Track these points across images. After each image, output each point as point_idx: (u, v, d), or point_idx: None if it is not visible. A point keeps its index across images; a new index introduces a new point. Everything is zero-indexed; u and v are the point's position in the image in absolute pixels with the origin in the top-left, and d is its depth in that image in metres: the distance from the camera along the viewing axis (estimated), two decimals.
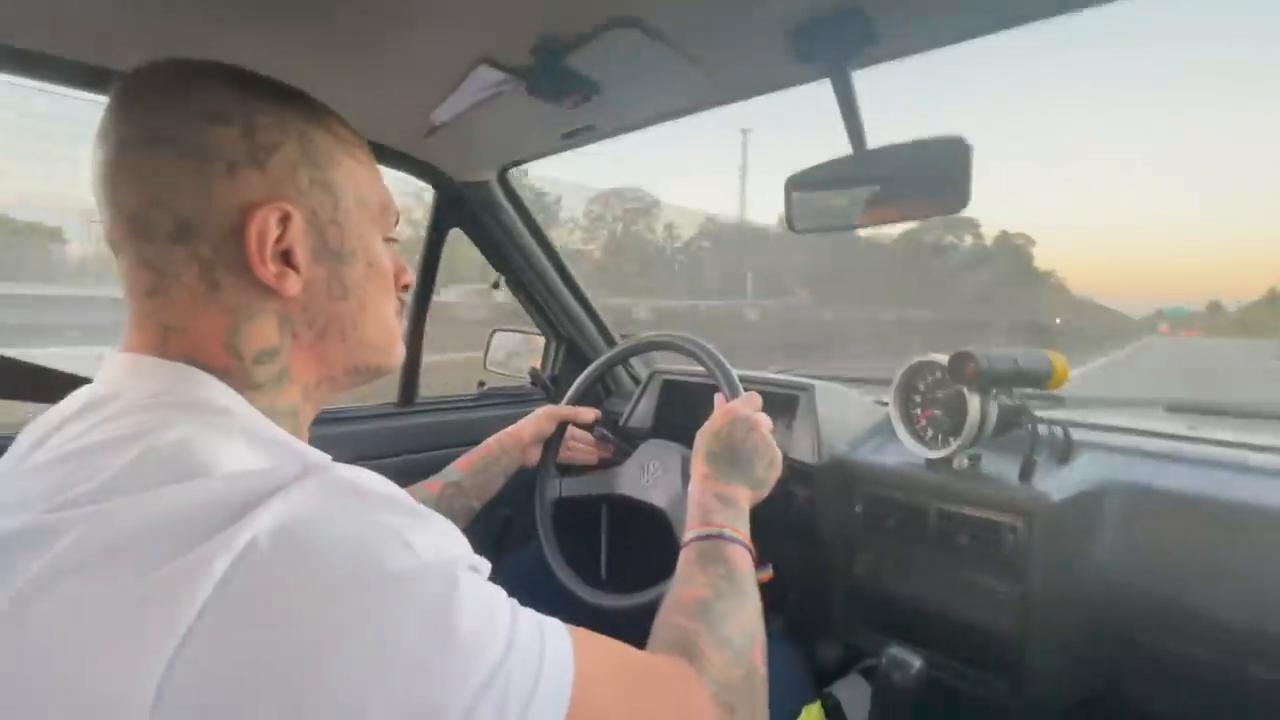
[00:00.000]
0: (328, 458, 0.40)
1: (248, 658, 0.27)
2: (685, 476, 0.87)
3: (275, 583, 0.29)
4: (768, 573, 0.78)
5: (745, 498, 0.68)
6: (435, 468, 1.21)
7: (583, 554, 1.06)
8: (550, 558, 0.91)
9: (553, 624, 0.37)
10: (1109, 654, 0.77)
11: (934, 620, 0.87)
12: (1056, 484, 0.79)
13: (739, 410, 0.75)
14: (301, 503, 0.32)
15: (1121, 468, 0.82)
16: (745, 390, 0.82)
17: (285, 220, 0.40)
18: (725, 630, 0.51)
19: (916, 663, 0.74)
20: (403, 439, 1.18)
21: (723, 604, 0.54)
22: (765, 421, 0.75)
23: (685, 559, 0.60)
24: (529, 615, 0.36)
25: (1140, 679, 0.78)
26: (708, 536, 0.62)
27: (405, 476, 1.16)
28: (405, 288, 0.52)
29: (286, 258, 0.41)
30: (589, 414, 1.01)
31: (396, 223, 0.51)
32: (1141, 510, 0.77)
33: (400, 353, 0.51)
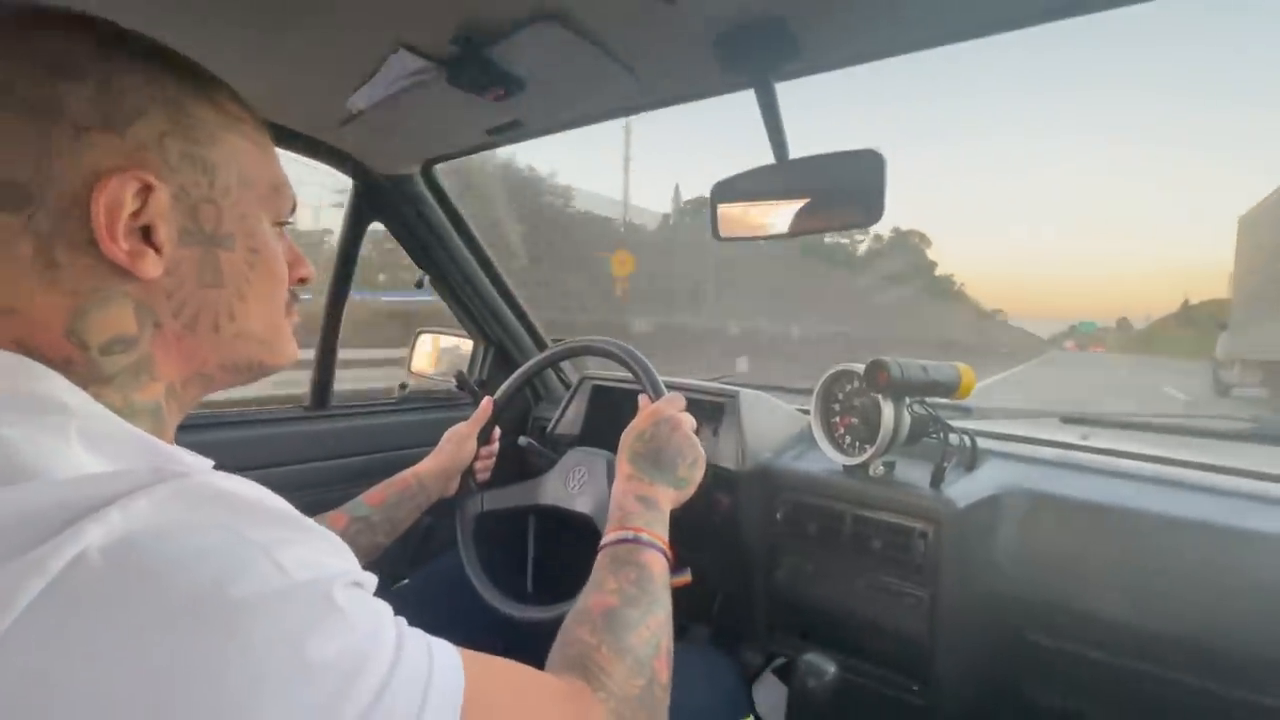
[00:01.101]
0: (197, 461, 0.37)
1: (60, 698, 0.23)
2: (611, 481, 0.86)
3: (102, 606, 0.25)
4: (685, 577, 0.77)
5: (667, 498, 0.68)
6: (349, 476, 1.15)
7: (508, 565, 1.02)
8: (472, 575, 0.87)
9: (441, 645, 0.35)
10: (1010, 654, 0.81)
11: (850, 624, 0.89)
12: (963, 491, 0.82)
13: (663, 410, 0.74)
14: (149, 513, 0.28)
15: (1021, 475, 0.87)
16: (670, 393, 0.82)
17: (145, 193, 0.35)
18: (629, 639, 0.50)
19: (831, 668, 0.75)
20: (314, 445, 1.11)
21: (629, 611, 0.53)
22: (689, 421, 0.75)
23: (599, 563, 0.59)
24: (416, 636, 0.34)
25: (1038, 678, 0.82)
26: (622, 540, 0.61)
27: (316, 485, 1.10)
28: (302, 281, 0.47)
29: (147, 236, 0.36)
30: (486, 405, 0.96)
31: (293, 209, 0.46)
32: (1037, 515, 0.81)
33: (290, 352, 0.46)
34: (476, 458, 0.95)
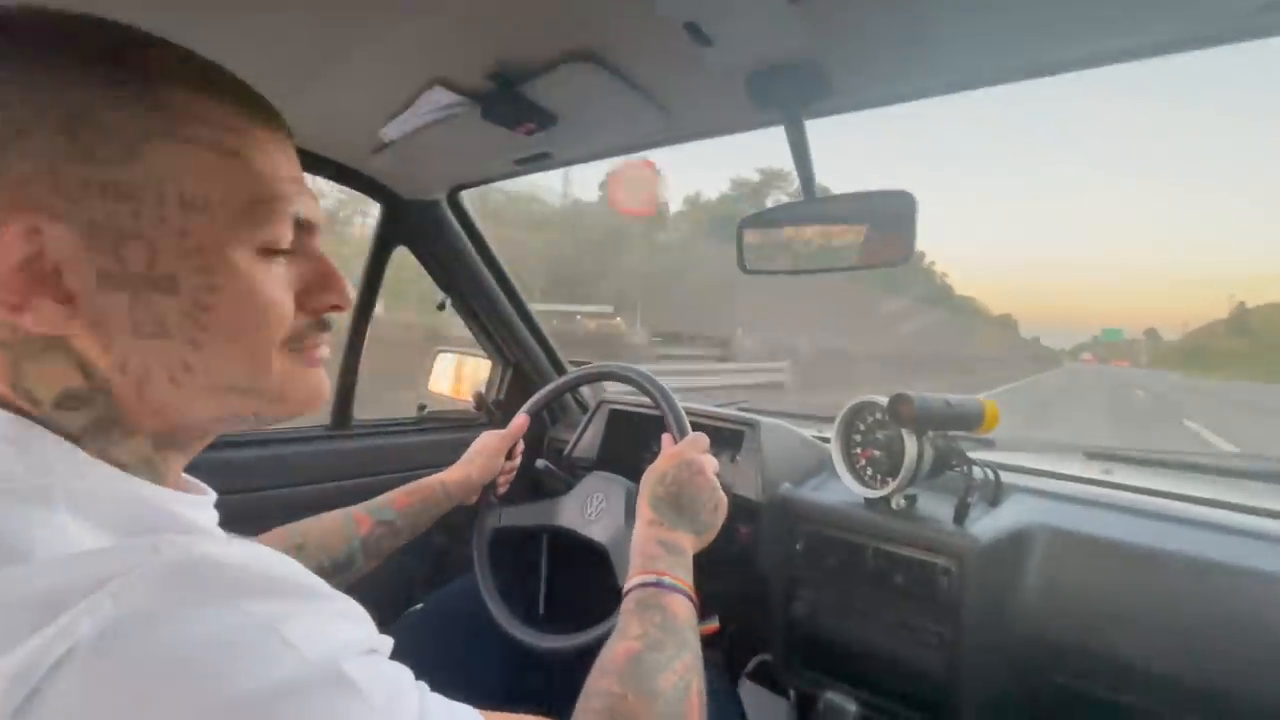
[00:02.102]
0: (197, 513, 0.34)
1: None
2: (629, 514, 0.86)
3: (98, 708, 0.23)
4: (712, 624, 0.76)
5: (689, 544, 0.67)
6: (369, 495, 1.14)
7: (521, 588, 1.02)
8: (486, 595, 0.87)
9: (465, 711, 0.34)
10: (1035, 697, 0.79)
11: (870, 660, 0.87)
12: (987, 526, 0.81)
13: (685, 453, 0.73)
14: (143, 596, 0.25)
15: (1045, 511, 0.86)
16: (692, 427, 0.82)
17: (34, 236, 0.29)
18: (656, 683, 0.49)
19: (852, 708, 0.74)
20: (335, 464, 1.12)
21: (655, 656, 0.51)
22: (710, 464, 0.74)
23: (625, 607, 0.59)
24: (439, 704, 0.33)
25: None
26: (645, 584, 0.60)
27: (337, 505, 1.10)
28: (334, 308, 0.40)
29: (59, 281, 0.30)
30: (521, 420, 0.97)
31: (311, 229, 0.38)
32: (1062, 554, 0.80)
33: (302, 397, 0.39)
34: (500, 471, 0.95)
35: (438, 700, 0.33)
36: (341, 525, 0.77)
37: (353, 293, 0.40)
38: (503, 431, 0.95)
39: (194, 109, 0.32)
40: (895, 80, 0.62)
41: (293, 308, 0.37)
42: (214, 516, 0.39)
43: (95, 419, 0.33)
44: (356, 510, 0.80)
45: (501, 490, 0.96)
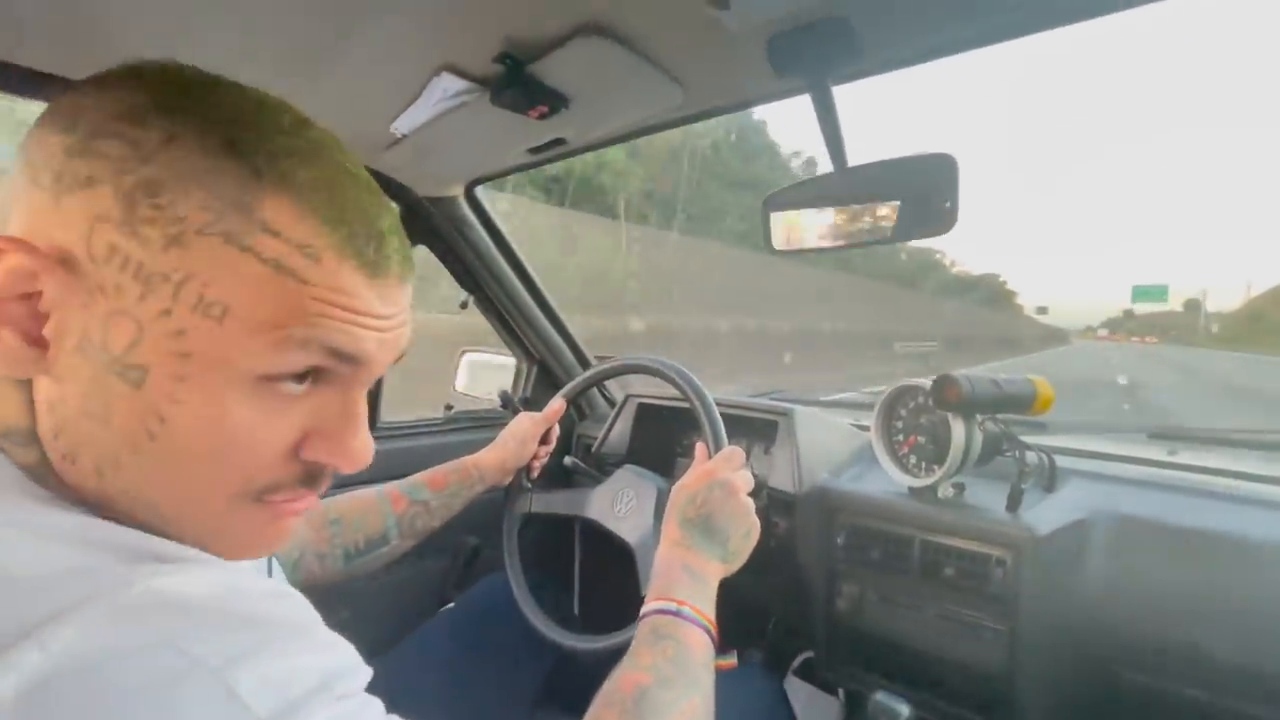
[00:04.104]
0: (146, 543, 0.30)
1: None
2: (658, 515, 0.83)
3: None
4: (730, 660, 0.72)
5: (715, 572, 0.63)
6: None
7: (554, 584, 1.00)
8: (514, 586, 0.86)
9: None
10: (1099, 694, 0.74)
11: (919, 658, 0.83)
12: (1044, 515, 0.76)
13: (717, 471, 0.69)
14: (75, 644, 0.23)
15: (1107, 496, 0.80)
16: (723, 418, 0.79)
17: (44, 277, 0.28)
18: None
19: (904, 710, 0.70)
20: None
21: (662, 693, 0.49)
22: (745, 483, 0.70)
23: (639, 632, 0.56)
24: None
25: (1130, 719, 0.74)
26: (663, 611, 0.57)
27: None
28: (332, 468, 0.34)
29: (39, 325, 0.29)
30: (558, 405, 0.95)
31: (364, 366, 0.33)
32: (1129, 541, 0.74)
33: (246, 550, 0.34)
34: (535, 456, 0.94)
35: None
36: (377, 503, 0.77)
37: (362, 460, 0.35)
38: (537, 415, 0.93)
39: (277, 221, 0.29)
40: (929, 32, 0.57)
41: (284, 452, 0.32)
42: None
43: (36, 461, 0.30)
44: (390, 488, 0.79)
45: (535, 476, 0.95)
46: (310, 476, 0.34)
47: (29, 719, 0.22)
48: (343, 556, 0.72)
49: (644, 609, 0.58)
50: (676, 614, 0.56)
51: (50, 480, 0.30)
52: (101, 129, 0.28)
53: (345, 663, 0.30)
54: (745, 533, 0.67)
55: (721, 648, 0.58)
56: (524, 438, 0.91)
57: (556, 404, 0.95)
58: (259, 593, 0.29)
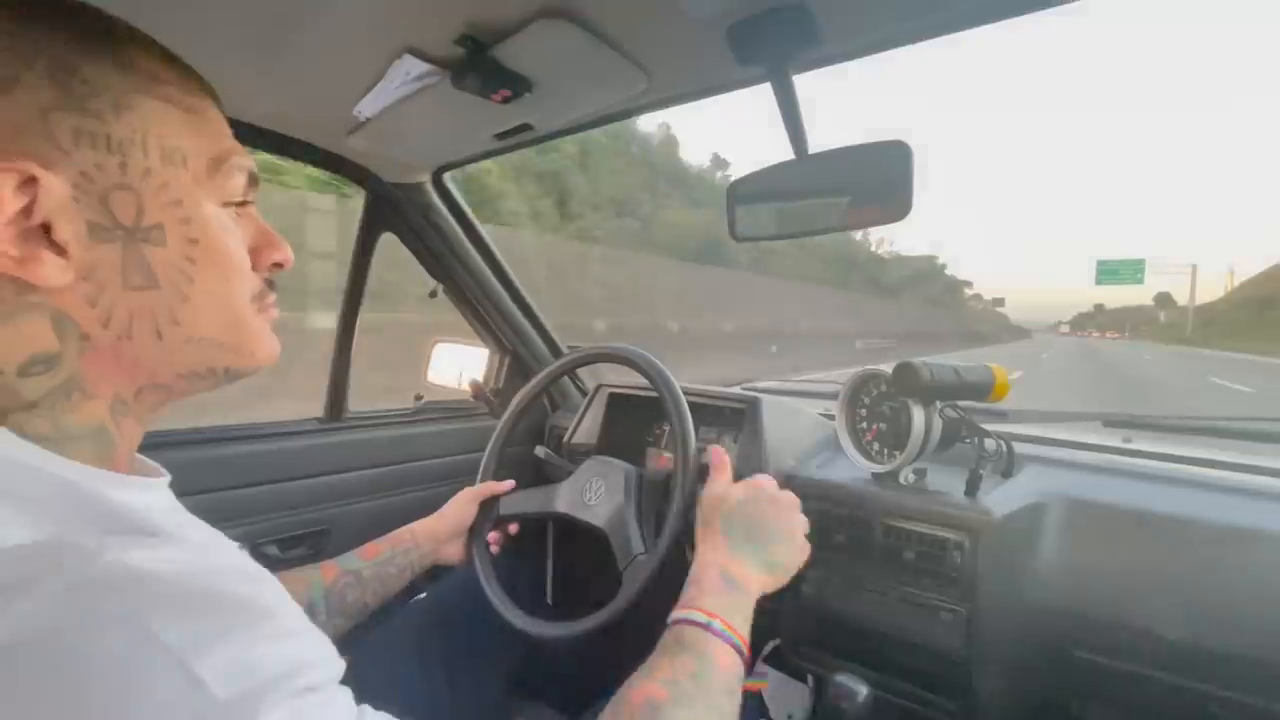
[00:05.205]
0: (131, 507, 0.31)
1: None
2: (628, 494, 0.84)
3: None
4: (761, 682, 0.68)
5: (756, 583, 0.58)
6: (367, 488, 1.14)
7: (528, 577, 1.00)
8: (484, 583, 0.85)
9: None
10: (1055, 673, 0.76)
11: (882, 640, 0.85)
12: (1000, 499, 0.78)
13: (767, 485, 0.66)
14: (34, 616, 0.23)
15: (1061, 481, 0.82)
16: (690, 407, 0.79)
17: (30, 186, 0.29)
18: None
19: (864, 690, 0.71)
20: (330, 457, 1.10)
21: (677, 712, 0.45)
22: (794, 500, 0.66)
23: (664, 640, 0.52)
24: None
25: (1085, 697, 0.77)
26: (694, 622, 0.52)
27: (334, 498, 1.09)
28: (277, 266, 0.41)
29: (49, 235, 0.30)
30: (507, 485, 0.91)
31: (254, 184, 0.39)
32: (1081, 524, 0.77)
33: (264, 353, 0.39)
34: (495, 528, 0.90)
35: None
36: (305, 573, 0.72)
37: (291, 252, 0.41)
38: (475, 488, 0.90)
39: (160, 70, 0.34)
40: (888, 21, 0.57)
41: (249, 266, 0.39)
42: (164, 501, 0.37)
43: (59, 383, 0.32)
44: (325, 563, 0.75)
45: (494, 549, 0.90)
46: (269, 281, 0.41)
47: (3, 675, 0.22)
48: None
49: (671, 616, 0.54)
50: (705, 626, 0.52)
51: (74, 395, 0.32)
52: None
53: (313, 653, 0.29)
54: (794, 548, 0.62)
55: (750, 668, 0.55)
56: (460, 503, 0.88)
57: (502, 485, 0.91)
58: (232, 572, 0.29)
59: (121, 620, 0.24)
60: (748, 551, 0.59)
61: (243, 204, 0.38)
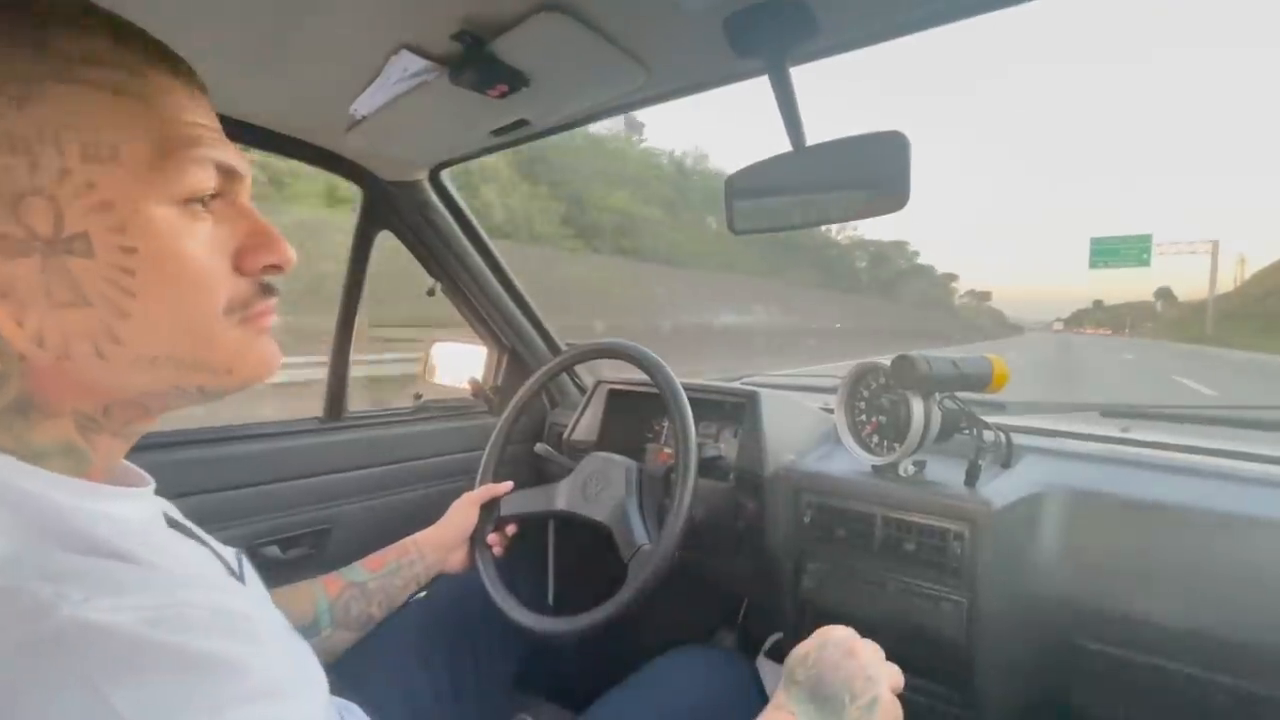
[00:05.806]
0: (96, 531, 0.29)
1: None
2: (629, 489, 0.84)
3: None
4: None
5: None
6: (367, 487, 1.14)
7: (530, 574, 1.00)
8: (486, 580, 0.85)
9: None
10: (1056, 661, 0.77)
11: (883, 632, 0.85)
12: (1000, 489, 0.78)
13: (833, 632, 0.58)
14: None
15: (1061, 471, 0.83)
16: (690, 402, 0.80)
17: None
18: None
19: None
20: (330, 457, 1.10)
21: None
22: (870, 646, 0.58)
23: None
24: None
25: (1089, 687, 0.77)
26: None
27: (334, 498, 1.09)
28: (274, 268, 0.36)
29: None
30: (506, 486, 0.91)
31: (235, 177, 0.35)
32: (1082, 514, 0.77)
33: (249, 371, 0.36)
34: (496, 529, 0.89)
35: None
36: (309, 587, 0.71)
37: (291, 252, 0.37)
38: (475, 492, 0.90)
39: (88, 51, 0.29)
40: (886, 11, 0.58)
41: (229, 270, 0.34)
42: (144, 511, 0.35)
43: (9, 402, 0.30)
44: (329, 574, 0.74)
45: (496, 551, 0.90)
46: (262, 286, 0.36)
47: None
48: None
49: None
50: None
51: (31, 414, 0.30)
52: None
53: (289, 712, 0.28)
54: (867, 702, 0.53)
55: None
56: (461, 508, 0.87)
57: (501, 486, 0.92)
58: (203, 617, 0.27)
59: (75, 684, 0.23)
60: (810, 713, 0.53)
61: (214, 197, 0.34)
